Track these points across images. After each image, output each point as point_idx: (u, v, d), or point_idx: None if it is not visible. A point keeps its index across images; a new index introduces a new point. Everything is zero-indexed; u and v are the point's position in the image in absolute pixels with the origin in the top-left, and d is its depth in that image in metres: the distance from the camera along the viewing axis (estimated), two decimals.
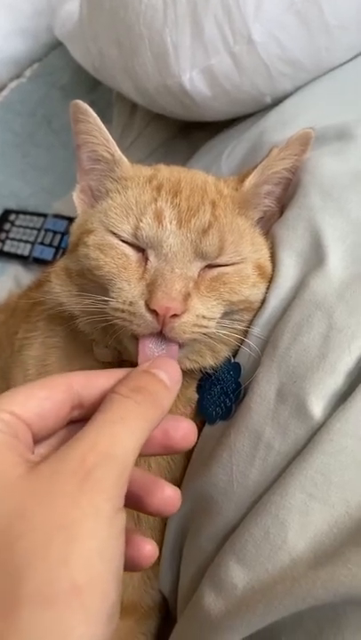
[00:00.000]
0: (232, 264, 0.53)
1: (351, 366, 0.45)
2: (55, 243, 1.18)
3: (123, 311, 0.49)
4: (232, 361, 0.55)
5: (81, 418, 0.37)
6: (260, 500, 0.45)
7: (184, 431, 0.38)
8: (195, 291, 0.50)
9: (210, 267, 0.52)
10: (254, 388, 0.49)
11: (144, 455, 0.34)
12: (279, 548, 0.41)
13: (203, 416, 0.57)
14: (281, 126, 0.73)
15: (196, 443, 0.56)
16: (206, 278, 0.51)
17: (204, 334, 0.50)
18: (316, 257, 0.52)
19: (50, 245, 1.18)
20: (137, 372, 0.38)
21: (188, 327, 0.48)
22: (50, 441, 0.36)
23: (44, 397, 0.34)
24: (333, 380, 0.45)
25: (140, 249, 0.51)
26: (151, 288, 0.48)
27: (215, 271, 0.52)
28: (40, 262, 1.17)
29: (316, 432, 0.43)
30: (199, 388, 0.58)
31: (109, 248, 0.52)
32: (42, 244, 1.19)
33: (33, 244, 1.20)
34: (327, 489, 0.41)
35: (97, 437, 0.31)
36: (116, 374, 0.38)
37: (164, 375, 0.38)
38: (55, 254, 1.16)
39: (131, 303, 0.48)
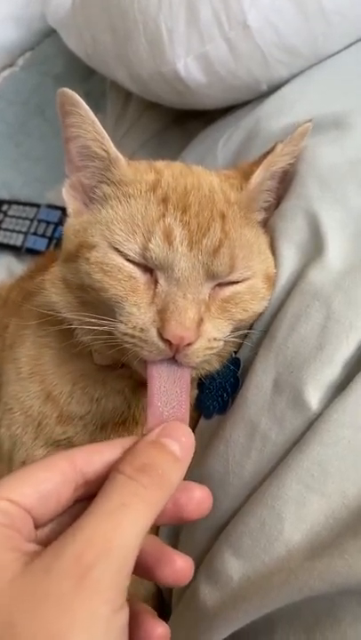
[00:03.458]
0: (243, 280, 0.51)
1: (348, 357, 0.44)
2: (48, 233, 1.16)
3: (133, 337, 0.46)
4: (233, 355, 0.55)
5: (88, 495, 0.34)
6: (256, 491, 0.44)
7: (198, 500, 0.36)
8: (206, 314, 0.48)
9: (220, 285, 0.50)
10: (251, 379, 0.49)
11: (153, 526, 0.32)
12: (275, 539, 0.41)
13: (200, 410, 0.56)
14: (278, 114, 0.72)
15: None
16: (217, 299, 0.49)
17: (214, 353, 0.49)
18: (314, 247, 0.52)
19: (43, 236, 1.16)
20: (144, 445, 0.35)
21: (201, 351, 0.46)
22: (58, 519, 0.34)
23: (44, 480, 0.32)
24: (331, 370, 0.44)
25: (148, 268, 0.49)
26: (163, 315, 0.46)
27: (227, 291, 0.50)
28: (33, 253, 1.15)
29: (313, 423, 0.43)
30: (199, 385, 0.57)
31: (115, 270, 0.48)
32: (35, 234, 1.17)
33: (26, 234, 1.18)
34: (324, 480, 0.41)
35: (95, 531, 0.29)
36: (122, 443, 0.36)
37: (175, 446, 0.35)
38: (48, 245, 1.15)
39: (142, 330, 0.46)
